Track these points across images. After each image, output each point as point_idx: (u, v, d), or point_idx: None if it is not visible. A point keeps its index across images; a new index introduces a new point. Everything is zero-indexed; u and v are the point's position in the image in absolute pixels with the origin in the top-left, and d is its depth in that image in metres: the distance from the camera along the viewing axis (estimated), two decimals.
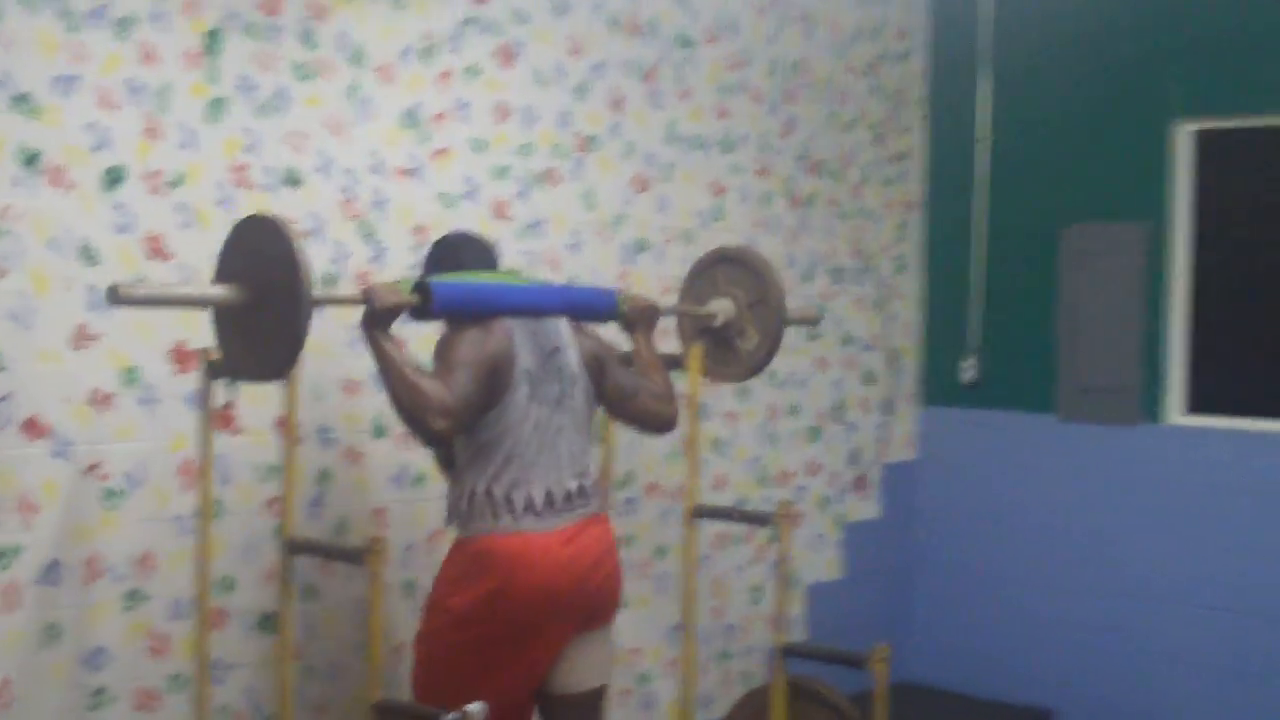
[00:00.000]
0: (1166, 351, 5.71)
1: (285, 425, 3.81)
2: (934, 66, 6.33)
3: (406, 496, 4.53)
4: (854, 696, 4.45)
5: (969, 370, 6.15)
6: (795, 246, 5.75)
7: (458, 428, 3.60)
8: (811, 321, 4.97)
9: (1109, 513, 5.82)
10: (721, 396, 5.44)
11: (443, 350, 3.68)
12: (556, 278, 4.86)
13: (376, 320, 3.52)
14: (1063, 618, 5.93)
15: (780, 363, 5.34)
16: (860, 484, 6.14)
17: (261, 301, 3.37)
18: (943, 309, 6.28)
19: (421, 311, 3.64)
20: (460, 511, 3.76)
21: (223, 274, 3.49)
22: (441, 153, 4.56)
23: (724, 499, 5.43)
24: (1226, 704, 5.50)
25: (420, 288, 3.62)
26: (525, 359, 3.72)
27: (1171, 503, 5.66)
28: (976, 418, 6.18)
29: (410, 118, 4.45)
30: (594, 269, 5.00)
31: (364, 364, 3.91)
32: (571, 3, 4.92)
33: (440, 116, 4.53)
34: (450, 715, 3.40)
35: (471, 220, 4.62)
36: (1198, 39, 5.63)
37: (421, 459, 4.52)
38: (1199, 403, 5.69)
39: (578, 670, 3.85)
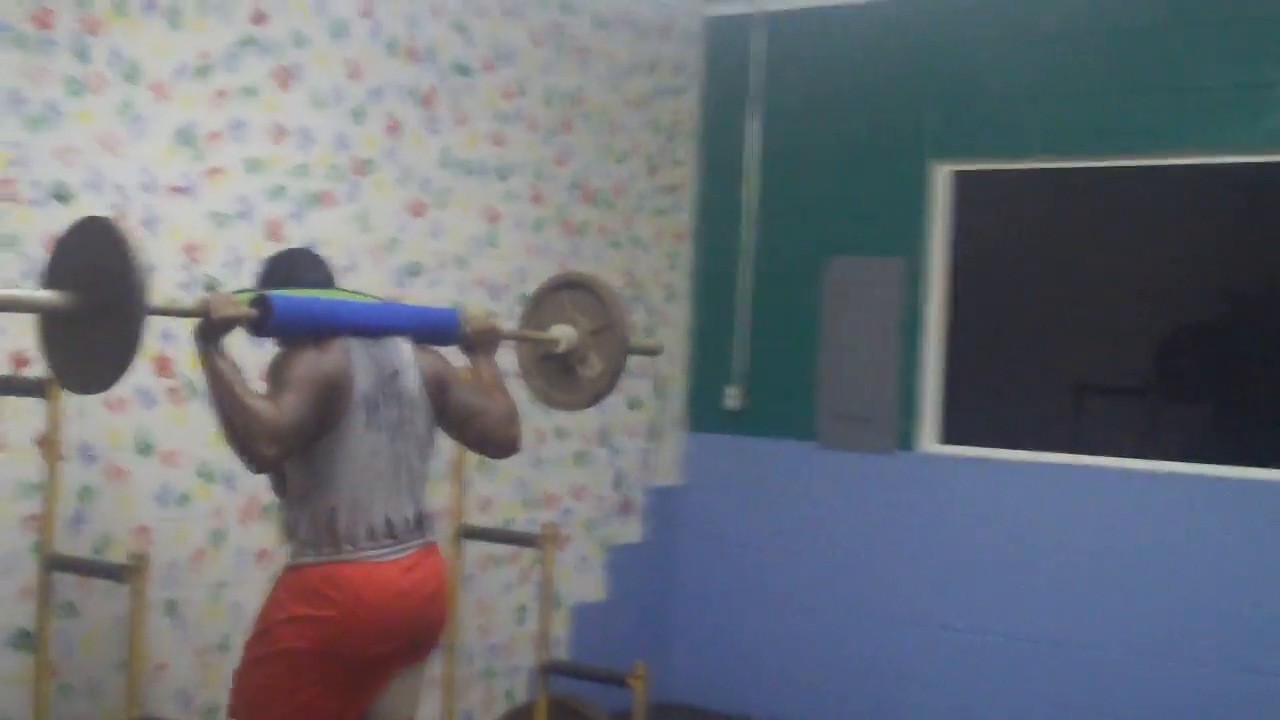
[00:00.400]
0: (921, 383, 5.98)
1: (47, 442, 3.77)
2: (706, 102, 6.52)
3: (171, 515, 4.50)
4: (615, 715, 4.55)
5: (734, 398, 6.34)
6: None
7: (285, 454, 3.43)
8: (652, 352, 4.96)
9: (865, 537, 6.05)
10: None
11: (276, 370, 3.52)
12: None
13: (210, 332, 3.36)
14: (819, 638, 6.14)
15: None
16: (625, 508, 6.27)
17: (94, 309, 3.22)
18: (709, 337, 6.47)
19: (259, 326, 3.50)
20: (297, 537, 3.59)
21: (53, 278, 3.32)
22: (216, 171, 4.55)
23: (491, 521, 5.50)
24: (971, 710, 5.77)
25: (259, 301, 3.49)
26: (363, 382, 3.57)
27: (924, 528, 5.92)
28: (740, 444, 6.36)
29: (184, 136, 4.44)
30: (367, 290, 5.03)
31: (129, 380, 3.87)
32: (350, 27, 4.96)
33: (215, 135, 4.53)
34: None
35: (245, 240, 4.63)
36: (956, 85, 5.92)
37: (187, 478, 4.51)
38: (951, 434, 5.96)
39: (396, 704, 3.73)
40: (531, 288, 5.64)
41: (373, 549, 3.57)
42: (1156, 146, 5.57)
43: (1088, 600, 5.55)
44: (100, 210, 4.20)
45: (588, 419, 6.00)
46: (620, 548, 6.26)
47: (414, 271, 5.23)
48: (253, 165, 4.67)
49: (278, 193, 4.76)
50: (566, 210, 5.88)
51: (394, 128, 5.13)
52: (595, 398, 4.38)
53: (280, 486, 3.71)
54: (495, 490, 5.58)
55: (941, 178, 6.00)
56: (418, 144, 5.23)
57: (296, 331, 3.55)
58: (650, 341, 5.01)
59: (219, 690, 4.68)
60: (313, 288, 3.72)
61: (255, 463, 3.39)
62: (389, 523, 3.61)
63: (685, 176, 6.50)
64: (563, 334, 4.35)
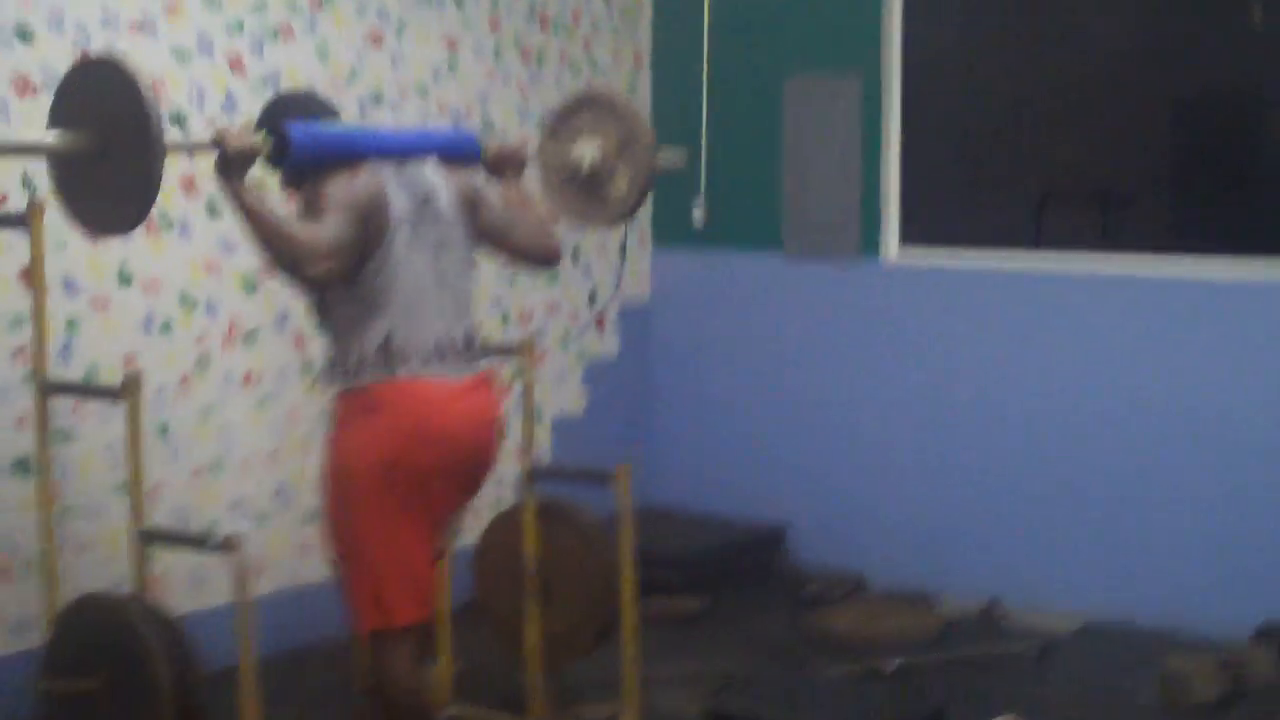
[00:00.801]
0: (884, 188, 6.13)
1: (30, 274, 3.88)
2: None
3: (156, 342, 4.71)
4: (599, 517, 4.74)
5: (699, 213, 6.49)
6: (529, 101, 5.98)
7: (339, 271, 3.40)
8: (677, 167, 4.88)
9: (833, 342, 6.24)
10: None
11: (309, 200, 3.47)
12: None
13: (230, 167, 3.28)
14: (792, 442, 6.36)
15: None
16: (598, 323, 6.47)
17: (108, 149, 3.21)
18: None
19: (278, 157, 3.43)
20: (348, 367, 3.55)
21: (60, 119, 3.31)
22: (174, 8, 4.68)
23: None
24: (933, 504, 6.02)
25: (275, 131, 3.41)
26: (400, 203, 3.52)
27: (890, 331, 6.11)
28: (707, 258, 6.53)
29: None
30: None
31: None
32: None
33: None
34: (214, 539, 3.54)
35: (206, 75, 4.76)
36: None
37: (169, 306, 4.70)
38: (914, 236, 6.13)
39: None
40: (494, 114, 5.82)
41: (424, 369, 3.54)
42: None
43: (1051, 399, 5.76)
44: (62, 50, 4.34)
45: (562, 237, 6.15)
46: (597, 362, 6.47)
47: (376, 102, 5.36)
48: (212, 2, 4.78)
49: (237, 27, 4.88)
50: (524, 36, 5.98)
51: None
52: (625, 214, 4.30)
53: (325, 318, 3.64)
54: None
55: None
56: None
57: (317, 160, 3.48)
58: (672, 154, 4.82)
59: (215, 508, 4.93)
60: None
61: (307, 284, 3.44)
62: (438, 344, 3.58)
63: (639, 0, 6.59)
64: (587, 153, 4.25)
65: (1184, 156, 6.16)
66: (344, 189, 3.43)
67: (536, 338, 6.02)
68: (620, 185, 4.23)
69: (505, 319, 5.94)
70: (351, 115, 5.24)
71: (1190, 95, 6.03)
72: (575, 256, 6.28)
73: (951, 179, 6.40)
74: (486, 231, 3.80)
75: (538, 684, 4.52)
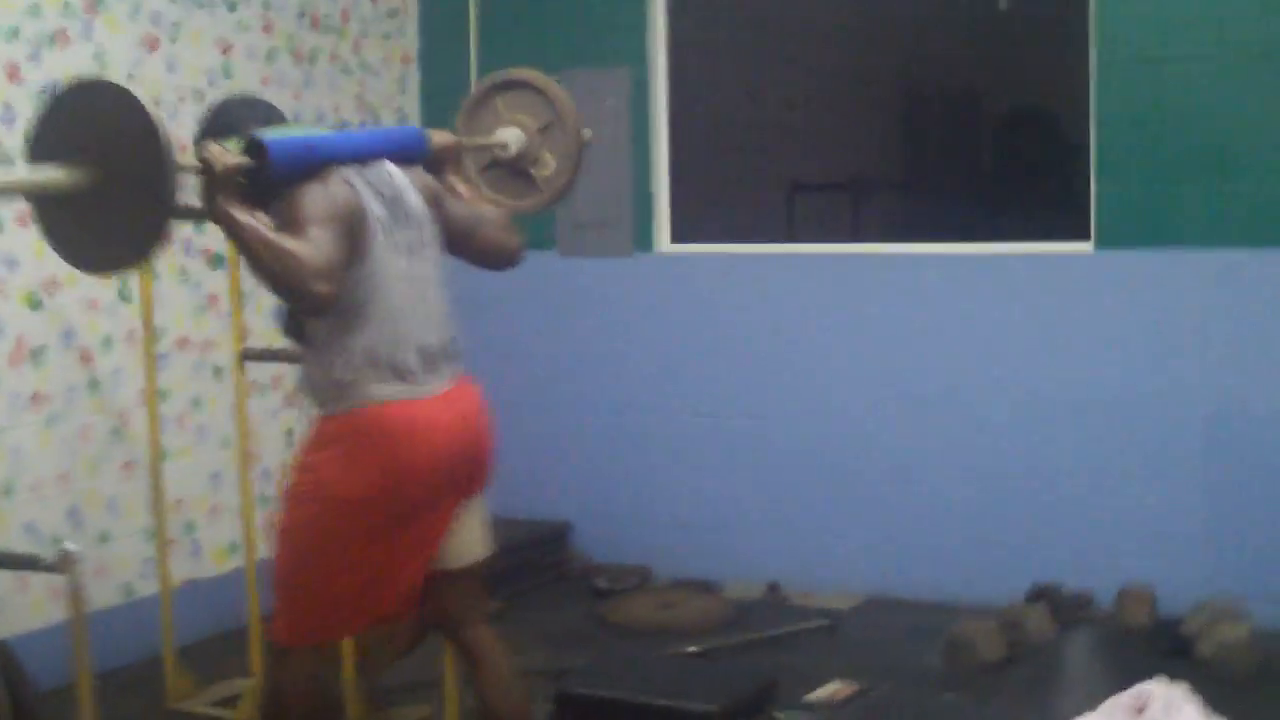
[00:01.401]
0: (654, 187, 6.28)
1: None
2: None
3: None
4: None
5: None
6: (302, 103, 5.95)
7: (337, 289, 3.20)
8: (597, 143, 4.63)
9: (610, 336, 6.38)
10: None
11: (286, 214, 3.23)
12: None
13: (222, 187, 3.11)
14: (572, 439, 6.47)
15: None
16: None
17: (111, 180, 2.99)
18: None
19: (258, 171, 3.20)
20: (329, 385, 3.38)
21: (45, 153, 3.07)
22: None
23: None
24: (712, 494, 6.21)
25: (251, 145, 3.23)
26: (374, 207, 3.37)
27: (665, 322, 6.28)
28: None
29: None
30: None
31: None
32: None
33: None
34: (46, 559, 3.44)
35: None
36: None
37: None
38: (683, 233, 6.31)
39: (466, 542, 3.65)
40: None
41: (412, 383, 3.41)
42: None
43: (820, 386, 6.00)
44: None
45: None
46: None
47: (154, 106, 5.24)
48: None
49: (12, 34, 4.74)
50: (296, 39, 5.93)
51: None
52: (557, 195, 4.26)
53: (298, 332, 3.50)
54: (253, 320, 5.69)
55: None
56: None
57: (293, 171, 3.28)
58: (589, 131, 4.48)
59: (6, 534, 4.77)
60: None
61: (313, 304, 3.18)
62: (422, 351, 3.45)
63: (405, 0, 6.59)
64: (511, 136, 4.17)
65: (918, 150, 6.55)
66: (322, 201, 3.26)
67: None
68: (549, 165, 4.18)
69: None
70: None
71: (926, 93, 6.43)
72: None
73: (716, 175, 6.62)
74: (452, 230, 3.64)
75: (355, 688, 4.53)
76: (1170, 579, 5.35)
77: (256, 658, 4.66)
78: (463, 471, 3.54)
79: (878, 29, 6.39)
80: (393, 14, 6.48)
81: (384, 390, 3.36)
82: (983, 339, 5.71)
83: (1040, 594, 5.44)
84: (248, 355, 4.75)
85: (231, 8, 5.60)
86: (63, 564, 3.34)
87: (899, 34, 6.39)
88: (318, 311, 3.24)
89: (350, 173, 3.35)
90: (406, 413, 3.38)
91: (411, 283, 3.43)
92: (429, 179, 3.63)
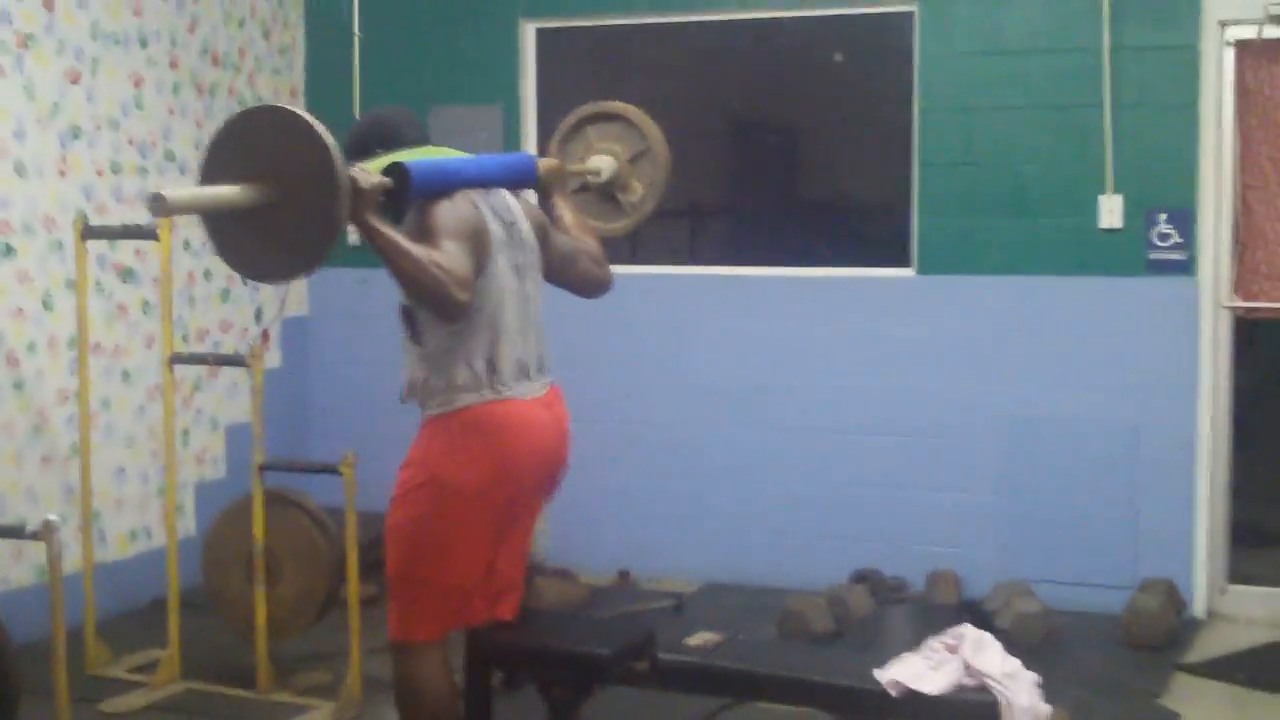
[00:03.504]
0: None
1: None
2: None
3: None
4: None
5: (353, 234, 7.06)
6: (204, 132, 6.46)
7: (471, 296, 3.54)
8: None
9: None
10: (151, 263, 6.12)
11: (420, 226, 3.56)
12: (5, 164, 5.42)
13: (367, 207, 3.37)
14: None
15: (195, 233, 6.15)
16: (265, 337, 6.98)
17: (287, 197, 3.27)
18: None
19: (399, 194, 3.53)
20: (445, 387, 3.70)
21: (223, 173, 3.35)
22: None
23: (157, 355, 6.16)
24: (572, 491, 6.83)
25: (395, 170, 3.54)
26: (495, 228, 3.71)
27: (621, 334, 6.74)
28: (360, 273, 7.10)
29: None
30: (37, 155, 5.58)
31: None
32: None
33: None
34: (29, 528, 3.88)
35: None
36: None
37: None
38: None
39: (523, 543, 4.00)
40: (176, 146, 6.30)
41: (517, 387, 3.75)
42: (699, 4, 6.61)
43: (666, 387, 6.66)
44: None
45: None
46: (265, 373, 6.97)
47: (75, 135, 5.78)
48: None
49: None
50: (199, 74, 6.48)
51: (49, 3, 5.64)
52: (642, 219, 4.54)
53: (418, 342, 3.75)
54: (156, 329, 6.20)
55: (528, 33, 6.89)
56: (70, 18, 5.75)
57: (428, 192, 3.61)
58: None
59: None
60: (414, 146, 3.83)
61: (452, 310, 3.49)
62: (523, 362, 3.78)
63: (294, 38, 7.14)
64: (604, 164, 4.46)
65: (755, 182, 7.27)
66: (452, 217, 3.58)
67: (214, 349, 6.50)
68: (636, 192, 4.51)
69: (185, 337, 6.39)
70: (54, 147, 5.65)
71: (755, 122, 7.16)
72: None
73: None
74: (553, 260, 3.98)
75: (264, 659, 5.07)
76: (972, 564, 6.14)
77: (175, 631, 5.17)
78: (555, 470, 3.93)
79: (720, 71, 7.08)
80: (283, 51, 7.04)
81: (494, 391, 3.70)
82: (816, 353, 6.44)
83: (861, 578, 6.18)
84: (176, 359, 5.23)
85: (143, 44, 6.13)
86: (44, 532, 3.88)
87: (744, 75, 7.10)
88: (454, 317, 3.56)
89: (475, 195, 3.70)
90: (514, 410, 3.73)
91: (520, 300, 3.78)
92: (538, 212, 3.99)
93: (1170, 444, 5.95)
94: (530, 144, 6.90)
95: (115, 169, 5.99)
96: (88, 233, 5.22)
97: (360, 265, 7.08)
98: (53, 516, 3.85)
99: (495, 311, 3.69)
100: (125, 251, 6.01)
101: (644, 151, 4.52)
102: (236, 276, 6.62)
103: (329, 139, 3.24)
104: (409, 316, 3.72)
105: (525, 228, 3.84)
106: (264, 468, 5.02)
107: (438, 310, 3.53)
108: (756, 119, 7.24)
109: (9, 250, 5.52)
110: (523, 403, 3.76)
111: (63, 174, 5.73)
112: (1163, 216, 5.89)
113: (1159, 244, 5.90)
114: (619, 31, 6.97)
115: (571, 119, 4.59)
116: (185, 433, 6.38)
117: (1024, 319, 6.13)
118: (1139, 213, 5.92)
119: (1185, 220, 5.86)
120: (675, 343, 6.62)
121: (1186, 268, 5.88)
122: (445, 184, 3.64)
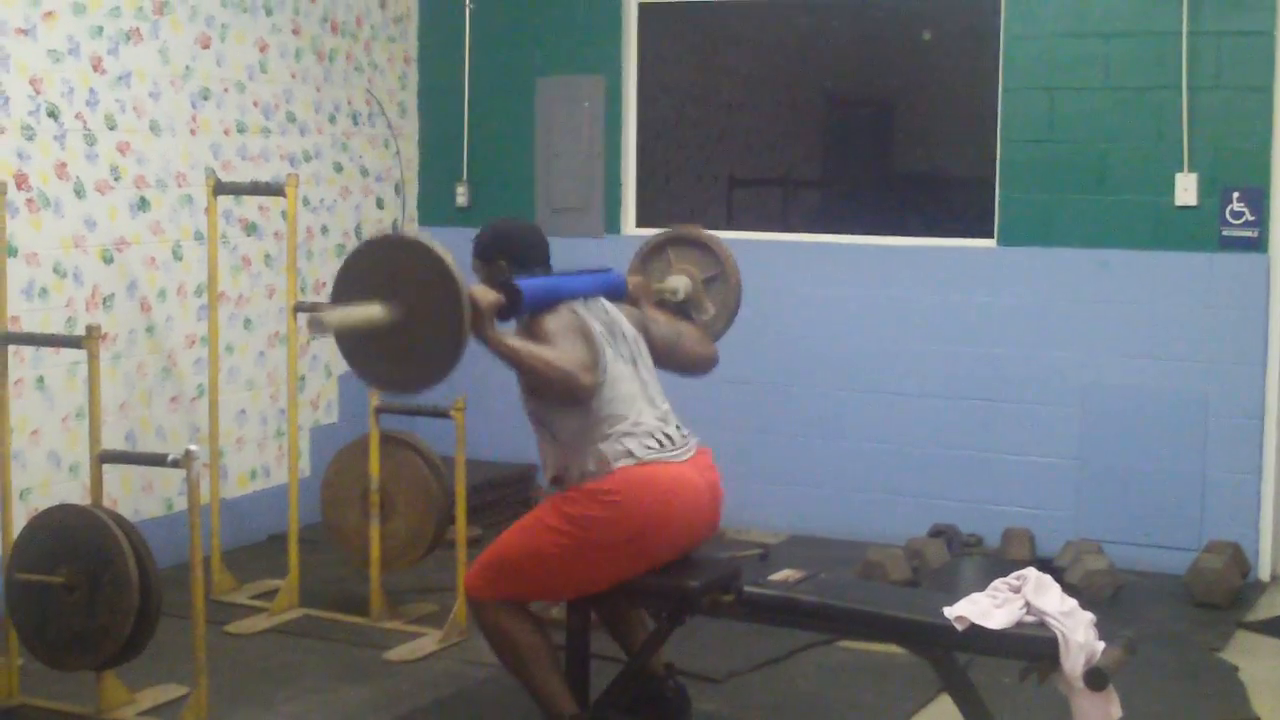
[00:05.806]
0: (622, 178, 7.23)
1: None
2: None
3: (35, 306, 5.41)
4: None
5: (462, 195, 7.46)
6: (323, 95, 6.85)
7: (599, 378, 3.99)
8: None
9: None
10: (273, 218, 6.52)
11: (530, 334, 4.04)
12: (141, 123, 5.82)
13: (488, 322, 3.83)
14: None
15: (313, 191, 6.54)
16: None
17: (417, 316, 3.71)
18: (438, 147, 7.54)
19: (510, 309, 3.99)
20: (585, 473, 4.04)
21: (354, 292, 3.77)
22: (50, 14, 5.42)
23: (277, 304, 6.55)
24: None
25: (509, 288, 3.99)
26: (598, 326, 4.12)
27: None
28: (470, 235, 7.47)
29: None
30: (170, 114, 5.97)
31: None
32: None
33: None
34: (170, 457, 4.25)
35: (75, 74, 5.50)
36: None
37: (45, 275, 5.41)
38: (646, 218, 7.26)
39: None
40: (296, 109, 6.67)
41: (662, 452, 4.08)
42: None
43: (745, 345, 6.95)
44: None
45: (346, 216, 7.01)
46: None
47: (205, 96, 6.17)
48: (78, 8, 5.54)
49: (98, 32, 5.63)
50: (319, 41, 6.84)
51: None
52: (715, 338, 4.76)
53: (550, 432, 4.14)
54: (276, 280, 6.58)
55: (632, 8, 7.19)
56: None
57: (536, 307, 4.07)
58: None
59: (78, 452, 5.63)
60: (539, 265, 4.33)
61: (584, 393, 3.97)
62: (660, 432, 4.12)
63: (409, 8, 7.48)
64: (681, 284, 4.74)
65: (846, 154, 7.55)
66: (557, 321, 4.06)
67: None
68: (708, 311, 4.78)
69: (303, 288, 6.77)
70: (186, 107, 6.05)
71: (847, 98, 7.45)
72: (359, 232, 7.15)
73: (673, 169, 7.59)
74: (657, 346, 4.39)
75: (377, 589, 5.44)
76: (1045, 524, 6.41)
77: (295, 560, 5.56)
78: (702, 533, 4.23)
79: (815, 48, 7.36)
80: (398, 20, 7.39)
81: (647, 453, 4.05)
82: (901, 318, 6.70)
83: (939, 532, 6.46)
84: (300, 308, 5.60)
85: (269, 12, 6.51)
86: (185, 461, 4.26)
87: (837, 53, 7.37)
88: (586, 399, 4.00)
89: (576, 304, 4.16)
90: (668, 471, 4.07)
91: (636, 383, 4.17)
92: (636, 311, 4.41)
93: (1238, 413, 6.16)
94: (630, 113, 7.19)
95: (241, 129, 6.37)
96: (219, 188, 5.63)
97: (468, 226, 7.49)
98: (193, 447, 4.23)
99: (615, 397, 4.05)
100: (249, 207, 6.40)
101: (718, 275, 4.79)
102: (351, 233, 7.07)
103: (457, 272, 3.68)
104: (538, 416, 4.13)
105: (625, 325, 4.26)
106: (380, 410, 5.35)
107: (569, 397, 3.98)
108: (849, 94, 7.53)
109: (144, 203, 5.91)
110: (674, 465, 4.08)
111: (193, 133, 6.13)
112: (1236, 195, 6.10)
113: (1232, 221, 6.12)
114: (718, 8, 7.27)
115: (653, 240, 4.88)
116: (302, 379, 6.76)
117: (1100, 290, 6.35)
118: (1213, 191, 6.13)
119: (1258, 199, 6.07)
120: (767, 305, 6.88)
121: (1258, 245, 6.09)
122: (550, 298, 4.08)
